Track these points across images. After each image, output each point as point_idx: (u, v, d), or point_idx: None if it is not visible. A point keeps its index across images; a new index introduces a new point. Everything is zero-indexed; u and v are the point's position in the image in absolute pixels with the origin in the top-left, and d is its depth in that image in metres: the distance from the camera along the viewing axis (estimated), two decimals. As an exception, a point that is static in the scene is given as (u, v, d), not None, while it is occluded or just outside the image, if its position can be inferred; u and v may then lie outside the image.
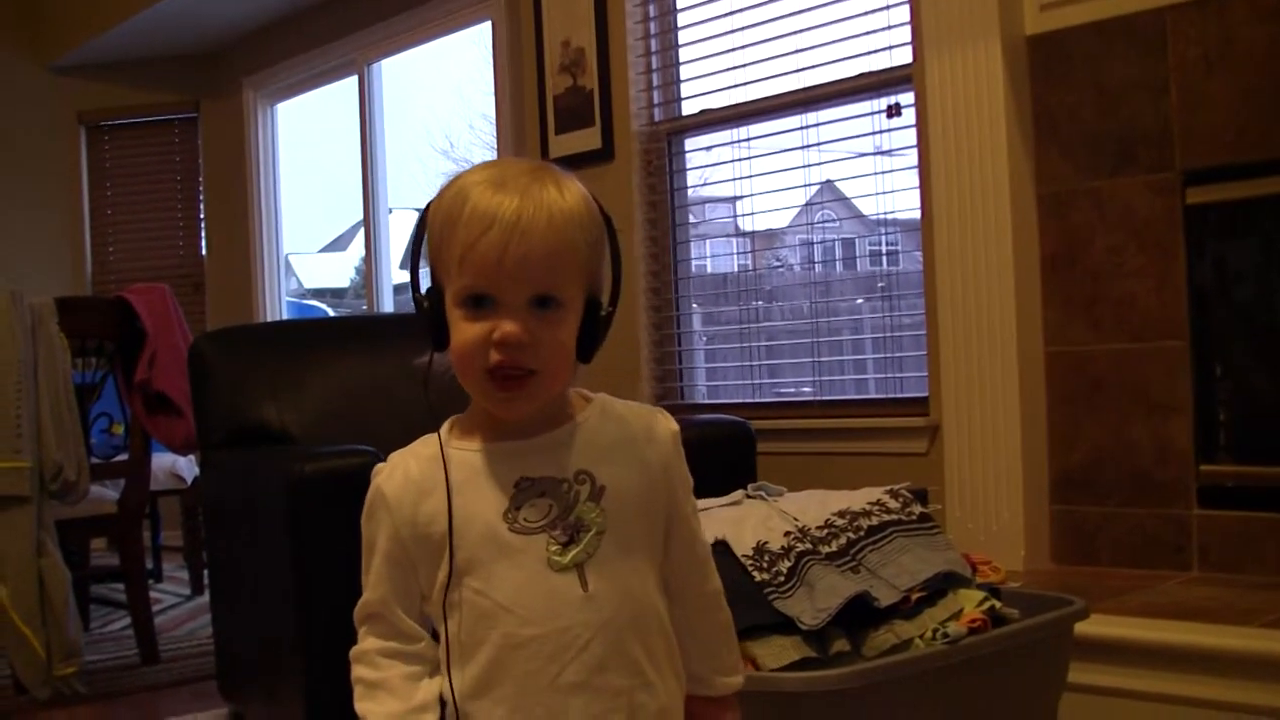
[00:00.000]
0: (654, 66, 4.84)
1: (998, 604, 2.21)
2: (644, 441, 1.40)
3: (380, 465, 1.43)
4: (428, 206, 1.38)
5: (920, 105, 3.82)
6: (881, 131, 4.11)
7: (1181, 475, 3.33)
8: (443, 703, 1.38)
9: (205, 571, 4.95)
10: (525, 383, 1.31)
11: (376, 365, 3.69)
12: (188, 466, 5.68)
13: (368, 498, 1.42)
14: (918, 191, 3.93)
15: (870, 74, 4.12)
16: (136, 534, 4.56)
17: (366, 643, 1.41)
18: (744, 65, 4.55)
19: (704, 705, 1.50)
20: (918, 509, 2.37)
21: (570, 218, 1.31)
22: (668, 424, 1.44)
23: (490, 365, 1.30)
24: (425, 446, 1.40)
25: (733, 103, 4.59)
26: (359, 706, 1.39)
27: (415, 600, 1.39)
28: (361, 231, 7.00)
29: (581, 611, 1.33)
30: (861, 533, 2.26)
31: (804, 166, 4.38)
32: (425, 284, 1.39)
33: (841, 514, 2.28)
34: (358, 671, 1.40)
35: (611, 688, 1.33)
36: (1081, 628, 2.35)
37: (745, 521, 2.24)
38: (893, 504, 2.36)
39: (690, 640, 1.46)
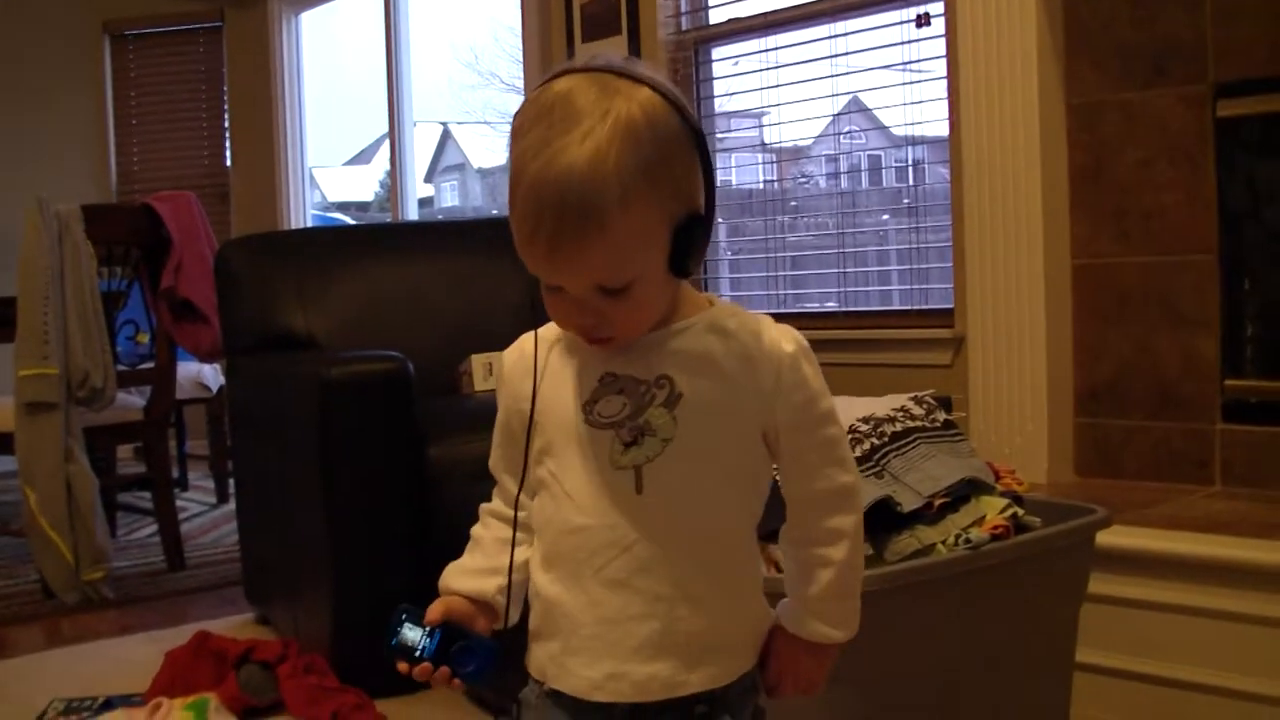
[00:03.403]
0: (682, -27, 4.80)
1: (1020, 511, 2.21)
2: (738, 359, 1.36)
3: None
4: None
5: (950, 14, 3.77)
6: (910, 41, 4.07)
7: (1207, 390, 3.31)
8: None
9: (231, 479, 5.00)
10: (609, 340, 1.34)
11: (404, 272, 3.69)
12: (213, 375, 5.71)
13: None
14: (945, 104, 3.89)
15: (900, -18, 4.08)
16: (163, 441, 4.60)
17: (491, 502, 1.49)
18: (773, -28, 4.51)
19: (788, 643, 1.44)
20: (942, 416, 2.37)
21: (613, 179, 1.23)
22: (777, 344, 1.38)
23: (574, 331, 1.35)
24: (547, 330, 1.43)
25: (761, 11, 4.55)
26: None
27: (522, 468, 1.43)
28: (386, 144, 6.99)
29: (631, 513, 1.33)
30: (885, 439, 2.26)
31: (830, 76, 4.34)
32: None
33: (866, 420, 2.28)
34: (474, 526, 1.49)
35: (651, 592, 1.33)
36: (1103, 538, 2.35)
37: (770, 427, 2.24)
38: (917, 410, 2.35)
39: (788, 571, 1.46)
